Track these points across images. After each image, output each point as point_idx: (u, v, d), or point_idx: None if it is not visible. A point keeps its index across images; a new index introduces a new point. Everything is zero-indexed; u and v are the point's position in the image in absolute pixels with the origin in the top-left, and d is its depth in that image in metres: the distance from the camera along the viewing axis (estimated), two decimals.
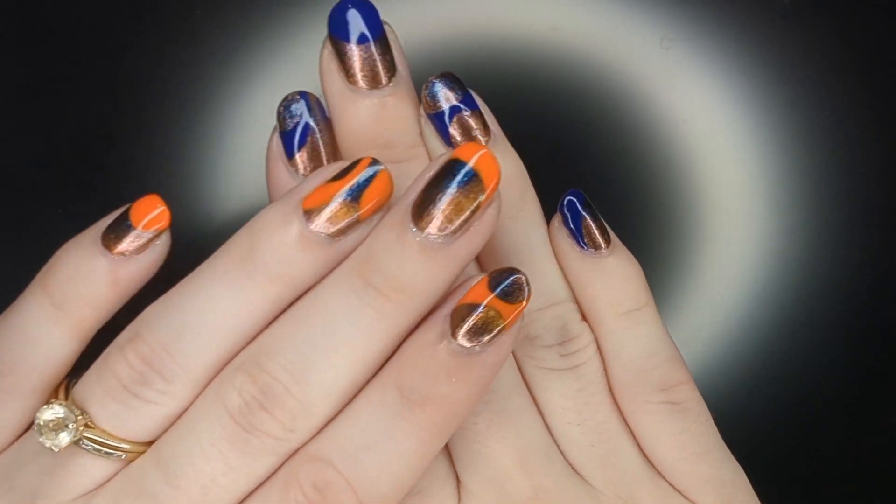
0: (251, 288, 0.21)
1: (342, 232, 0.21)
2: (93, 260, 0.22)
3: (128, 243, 0.22)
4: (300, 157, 0.24)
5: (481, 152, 0.20)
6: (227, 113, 0.31)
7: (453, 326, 0.21)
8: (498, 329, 0.21)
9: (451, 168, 0.20)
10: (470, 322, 0.21)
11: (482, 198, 0.20)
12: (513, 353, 0.25)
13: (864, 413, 0.32)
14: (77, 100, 0.31)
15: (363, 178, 0.21)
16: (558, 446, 0.25)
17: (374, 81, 0.23)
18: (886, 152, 0.31)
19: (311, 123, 0.24)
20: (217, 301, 0.21)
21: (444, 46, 0.30)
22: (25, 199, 0.31)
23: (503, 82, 0.30)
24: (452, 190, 0.20)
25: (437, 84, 0.24)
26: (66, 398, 0.22)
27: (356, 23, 0.23)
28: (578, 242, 0.25)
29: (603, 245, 0.25)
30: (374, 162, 0.21)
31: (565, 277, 0.26)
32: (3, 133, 0.31)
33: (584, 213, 0.25)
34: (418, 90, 0.24)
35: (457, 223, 0.20)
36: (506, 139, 0.25)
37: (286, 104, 0.24)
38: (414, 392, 0.21)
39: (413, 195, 0.21)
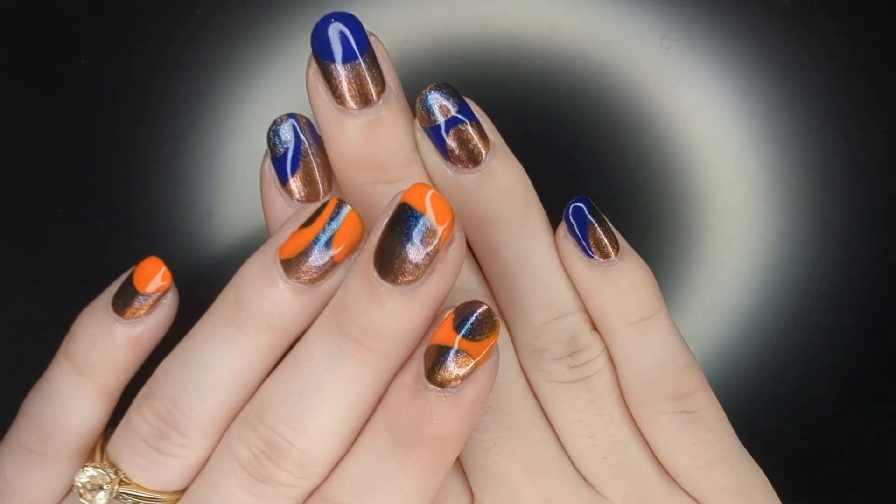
0: (243, 341, 0.22)
1: (321, 277, 0.21)
2: (107, 327, 0.24)
3: (136, 307, 0.24)
4: (294, 183, 0.24)
5: (430, 194, 0.20)
6: (227, 112, 0.31)
7: (426, 370, 0.21)
8: (470, 367, 0.21)
9: (401, 215, 0.20)
10: (441, 365, 0.21)
11: (437, 242, 0.20)
12: (521, 366, 0.25)
13: (866, 414, 0.32)
14: (77, 99, 0.31)
15: (332, 223, 0.21)
16: (570, 458, 0.25)
17: (363, 100, 0.23)
18: (887, 152, 0.31)
19: (303, 147, 0.23)
20: (213, 357, 0.22)
21: (444, 47, 0.30)
22: (25, 199, 0.31)
23: (502, 82, 0.30)
24: (406, 238, 0.20)
25: (431, 96, 0.23)
26: (102, 456, 0.24)
27: (341, 40, 0.22)
28: (585, 251, 0.24)
29: (612, 253, 0.24)
30: (340, 203, 0.21)
31: (574, 287, 0.25)
32: (3, 133, 0.31)
33: (591, 219, 0.24)
34: (413, 100, 0.24)
35: (418, 270, 0.20)
36: (507, 148, 0.25)
37: (275, 128, 0.23)
38: (402, 435, 0.21)
39: (373, 243, 0.21)
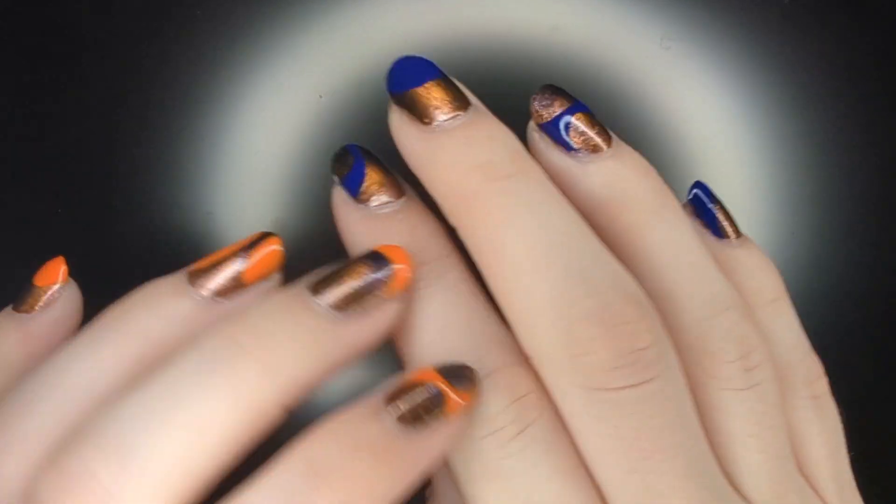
0: (107, 347, 0.20)
1: (223, 292, 0.21)
2: (3, 322, 0.23)
3: (31, 302, 0.23)
4: (365, 187, 0.22)
5: (403, 254, 0.20)
6: (227, 112, 0.31)
7: (389, 399, 0.19)
8: (441, 409, 0.19)
9: (369, 256, 0.20)
10: (410, 397, 0.19)
11: (385, 290, 0.20)
12: (687, 375, 0.22)
13: (867, 416, 0.32)
14: (77, 99, 0.31)
15: (252, 245, 0.21)
16: (734, 477, 0.22)
17: (453, 109, 0.22)
18: (888, 152, 0.31)
19: (365, 156, 0.23)
20: (72, 360, 0.20)
21: (444, 46, 0.30)
22: (25, 199, 0.31)
23: (502, 82, 0.30)
24: (360, 276, 0.19)
25: (541, 94, 0.23)
26: None
27: (414, 68, 0.22)
28: (714, 231, 0.24)
29: (733, 234, 0.24)
30: (269, 233, 0.21)
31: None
32: (4, 133, 0.31)
33: (716, 199, 0.24)
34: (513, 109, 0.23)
35: (355, 303, 0.19)
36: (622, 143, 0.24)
37: (335, 156, 0.23)
38: (324, 465, 0.17)
39: (324, 272, 0.20)
